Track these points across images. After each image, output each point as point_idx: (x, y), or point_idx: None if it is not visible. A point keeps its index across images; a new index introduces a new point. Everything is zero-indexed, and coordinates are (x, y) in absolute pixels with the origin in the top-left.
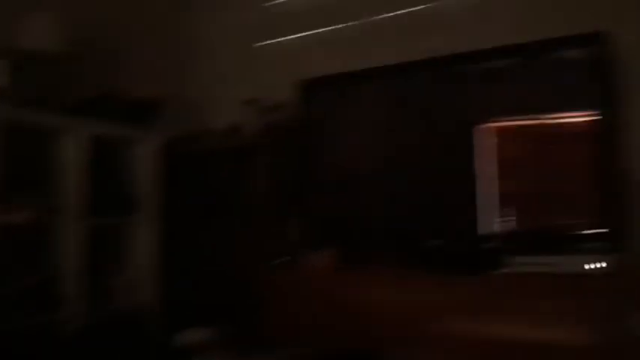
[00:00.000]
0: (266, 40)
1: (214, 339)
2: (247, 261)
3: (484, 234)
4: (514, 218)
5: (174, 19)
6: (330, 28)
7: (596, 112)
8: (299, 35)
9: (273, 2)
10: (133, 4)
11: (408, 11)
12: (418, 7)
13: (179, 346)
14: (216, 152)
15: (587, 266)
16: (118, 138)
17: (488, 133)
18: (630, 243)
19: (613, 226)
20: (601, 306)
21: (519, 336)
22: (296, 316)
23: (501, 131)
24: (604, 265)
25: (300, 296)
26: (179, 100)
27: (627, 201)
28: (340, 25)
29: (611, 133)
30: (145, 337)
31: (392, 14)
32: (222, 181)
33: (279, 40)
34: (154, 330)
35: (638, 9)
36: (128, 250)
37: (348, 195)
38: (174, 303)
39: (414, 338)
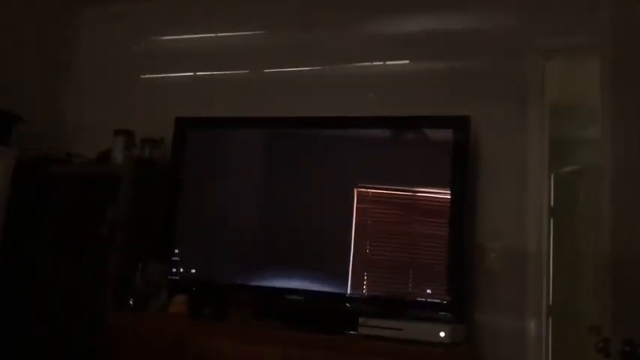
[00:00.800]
0: (152, 74)
1: None
2: (96, 301)
3: (343, 294)
4: (372, 281)
5: (57, 37)
6: (219, 72)
7: (454, 189)
8: (186, 74)
9: (165, 38)
10: (18, 12)
11: (296, 70)
12: (305, 68)
13: None
14: (81, 178)
15: (431, 334)
16: None
17: (354, 197)
18: (471, 315)
19: (458, 297)
20: None
21: None
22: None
23: (367, 197)
24: (447, 334)
25: (149, 341)
26: (49, 120)
27: (472, 274)
28: (229, 72)
29: (464, 211)
30: None
31: (280, 69)
32: (82, 210)
33: (164, 75)
34: None
35: (501, 100)
36: None
37: (212, 241)
38: (10, 341)
39: None
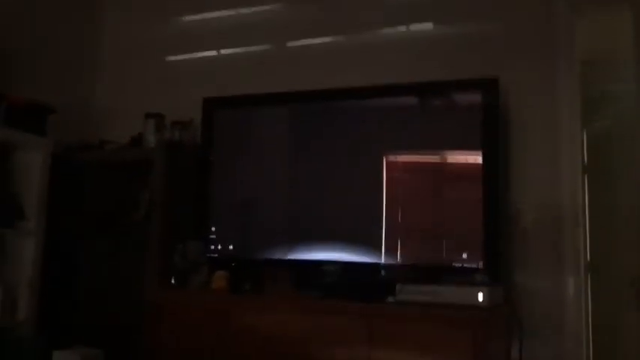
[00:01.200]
0: (176, 55)
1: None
2: (138, 281)
3: (378, 263)
4: (406, 249)
5: (82, 25)
6: (243, 49)
7: (486, 152)
8: (210, 53)
9: (187, 18)
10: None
11: (318, 41)
12: (328, 39)
13: None
14: (114, 164)
15: (469, 297)
16: (3, 142)
17: (384, 167)
18: (508, 276)
19: (494, 260)
20: (481, 336)
21: None
22: (185, 337)
23: (397, 166)
24: (485, 296)
25: (193, 316)
26: (78, 107)
27: (507, 236)
28: (252, 48)
29: (497, 173)
30: (20, 355)
31: (303, 42)
32: (116, 194)
33: (189, 56)
34: (30, 348)
35: (529, 59)
36: (7, 262)
37: (247, 217)
38: (53, 320)
39: None
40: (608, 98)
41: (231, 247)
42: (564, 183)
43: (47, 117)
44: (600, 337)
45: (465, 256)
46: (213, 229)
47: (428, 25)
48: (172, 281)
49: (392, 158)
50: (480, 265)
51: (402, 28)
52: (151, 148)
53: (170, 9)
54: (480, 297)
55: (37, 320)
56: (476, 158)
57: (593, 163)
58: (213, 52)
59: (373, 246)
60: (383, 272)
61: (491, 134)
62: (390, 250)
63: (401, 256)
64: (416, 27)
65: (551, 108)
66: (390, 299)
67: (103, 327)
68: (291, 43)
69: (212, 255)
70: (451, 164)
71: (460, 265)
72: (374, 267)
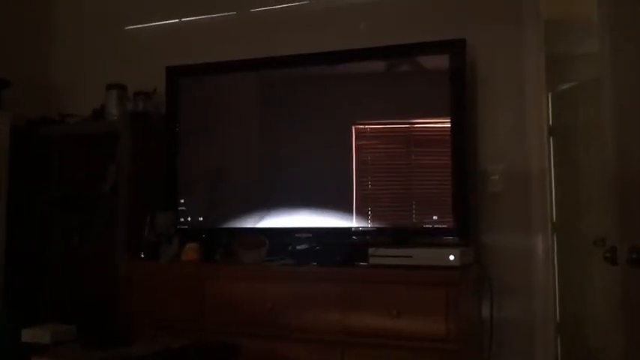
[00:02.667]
0: (135, 24)
1: (65, 335)
2: (107, 254)
3: (349, 228)
4: (377, 214)
5: None
6: (205, 16)
7: (454, 116)
8: (172, 21)
9: None
10: None
11: (282, 7)
12: (292, 4)
13: (25, 343)
14: (79, 138)
15: (440, 259)
16: None
17: (352, 134)
18: (478, 238)
19: (464, 221)
20: (453, 295)
21: (378, 325)
22: (158, 309)
23: (365, 132)
24: (456, 257)
25: (162, 289)
26: (35, 81)
27: (476, 198)
28: (215, 15)
29: (465, 136)
30: None
31: (267, 8)
32: (83, 168)
33: (149, 24)
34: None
35: (492, 20)
36: None
37: (216, 187)
38: (23, 298)
39: (277, 329)
40: (572, 59)
41: (201, 218)
42: (530, 145)
43: (1, 90)
44: (567, 292)
45: (435, 218)
46: (182, 200)
47: None
48: (142, 255)
49: (360, 124)
50: (451, 226)
51: None
52: (113, 120)
53: None
54: (452, 257)
55: (5, 299)
56: (444, 123)
57: (558, 124)
58: (174, 20)
59: (345, 212)
60: (355, 237)
61: (458, 98)
62: (362, 215)
63: (372, 220)
64: None
65: (517, 69)
66: (363, 263)
67: (75, 302)
68: (254, 9)
69: (182, 227)
70: (420, 130)
71: (431, 226)
72: (346, 232)
